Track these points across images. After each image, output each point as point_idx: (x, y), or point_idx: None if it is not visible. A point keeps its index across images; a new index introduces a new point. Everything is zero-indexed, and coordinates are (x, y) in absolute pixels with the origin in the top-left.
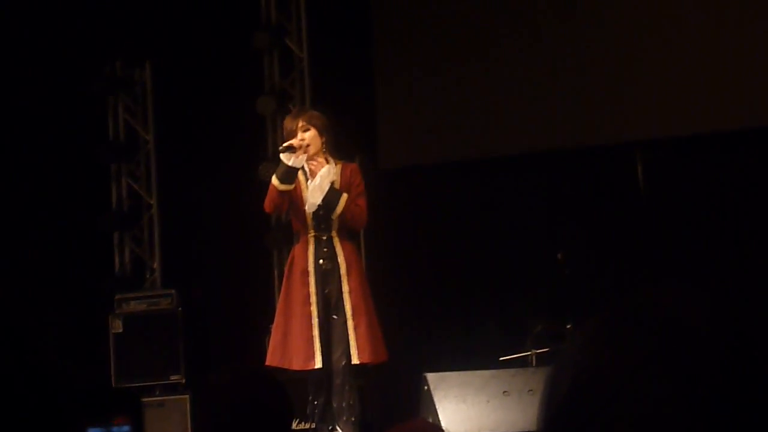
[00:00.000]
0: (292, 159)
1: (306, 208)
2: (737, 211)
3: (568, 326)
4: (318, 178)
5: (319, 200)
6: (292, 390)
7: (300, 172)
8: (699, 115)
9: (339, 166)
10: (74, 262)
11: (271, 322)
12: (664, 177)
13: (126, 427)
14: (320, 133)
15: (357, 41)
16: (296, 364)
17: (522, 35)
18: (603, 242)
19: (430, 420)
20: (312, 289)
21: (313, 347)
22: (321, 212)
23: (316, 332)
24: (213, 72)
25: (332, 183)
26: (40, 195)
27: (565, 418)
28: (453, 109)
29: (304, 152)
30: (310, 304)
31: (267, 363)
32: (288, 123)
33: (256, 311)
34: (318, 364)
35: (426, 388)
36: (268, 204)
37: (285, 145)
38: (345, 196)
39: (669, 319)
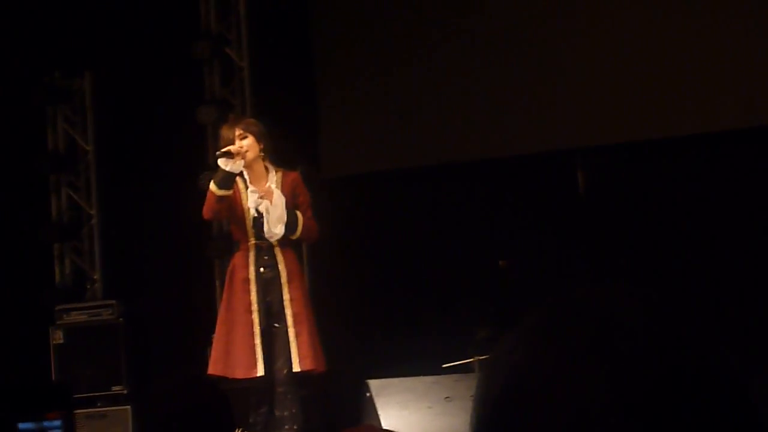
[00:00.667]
0: (230, 164)
1: (268, 237)
2: (675, 216)
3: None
4: (273, 209)
5: (282, 230)
6: (235, 399)
7: (239, 179)
8: (638, 122)
9: (279, 174)
10: (15, 273)
11: (213, 331)
12: (604, 183)
13: (57, 422)
14: (258, 140)
15: (298, 50)
16: (239, 373)
17: (463, 43)
18: (545, 248)
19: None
20: (253, 297)
21: (255, 355)
22: (261, 220)
23: (258, 340)
24: (153, 81)
25: (285, 205)
26: None
27: (499, 416)
28: (394, 117)
29: (242, 157)
30: (251, 313)
31: (209, 372)
32: (225, 131)
33: (198, 321)
34: (260, 372)
35: (368, 394)
36: (206, 210)
37: (222, 150)
38: (300, 216)
39: (601, 314)
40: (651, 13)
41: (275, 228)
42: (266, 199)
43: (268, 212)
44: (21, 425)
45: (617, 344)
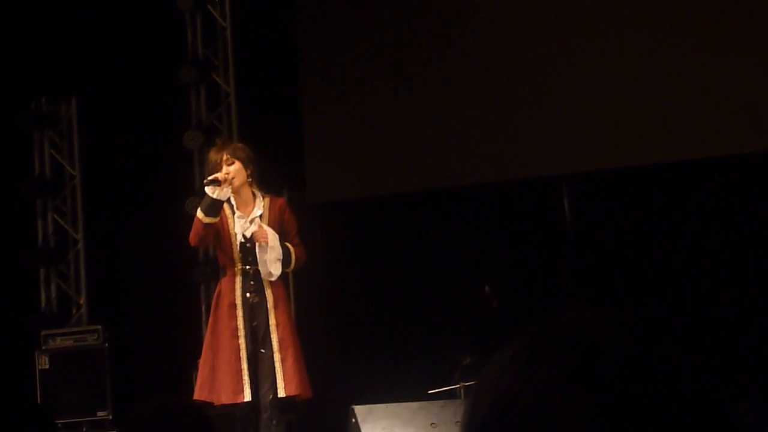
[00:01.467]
0: (217, 191)
1: (266, 277)
2: (661, 242)
3: None
4: (271, 250)
5: (279, 269)
6: (220, 425)
7: (226, 205)
8: (624, 149)
9: (267, 200)
10: (0, 298)
11: (199, 356)
12: (590, 209)
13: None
14: (245, 165)
15: (284, 76)
16: (225, 398)
17: (449, 69)
18: (530, 274)
19: None
20: (240, 322)
21: (241, 381)
22: (248, 245)
23: (244, 365)
24: (140, 107)
25: (281, 243)
26: None
27: None
28: (380, 143)
29: (229, 185)
30: (238, 338)
31: (195, 397)
32: (212, 156)
33: (184, 346)
34: (247, 397)
35: (354, 420)
36: (193, 237)
37: (209, 178)
38: (292, 248)
39: (585, 340)
40: (636, 41)
41: (273, 268)
42: (261, 241)
43: (265, 253)
44: None
45: (601, 371)
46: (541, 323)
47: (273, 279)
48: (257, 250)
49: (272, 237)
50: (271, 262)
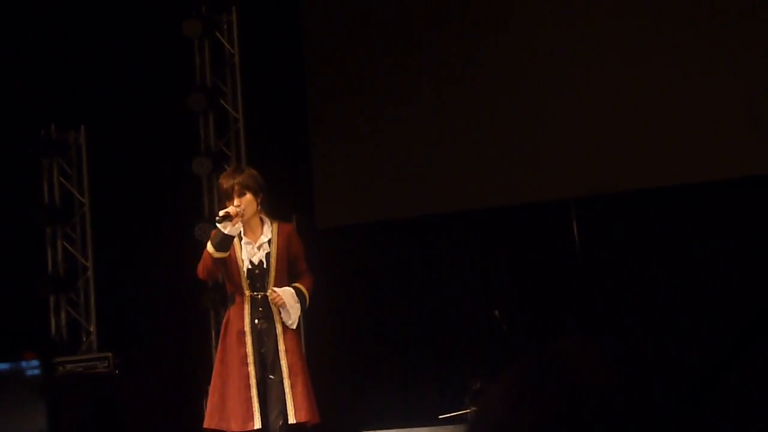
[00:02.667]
0: (229, 227)
1: (289, 326)
2: (670, 266)
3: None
4: (292, 310)
5: (299, 312)
6: None
7: None
8: (632, 172)
9: (275, 226)
10: (10, 327)
11: (209, 383)
12: (599, 232)
13: (35, 362)
14: (256, 195)
15: (292, 101)
16: (235, 426)
17: (457, 93)
18: (539, 298)
19: None
20: (249, 349)
21: (251, 408)
22: (257, 272)
23: (254, 392)
24: (148, 134)
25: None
26: None
27: None
28: (389, 168)
29: (240, 218)
30: (247, 365)
31: (205, 425)
32: (224, 182)
33: (194, 372)
34: (257, 424)
35: None
36: (201, 270)
37: (221, 213)
38: (305, 289)
39: (572, 377)
40: (643, 65)
41: (294, 318)
42: (279, 304)
43: (288, 315)
44: None
45: (584, 411)
46: (529, 357)
47: (294, 326)
48: (281, 311)
49: (288, 297)
50: (293, 313)
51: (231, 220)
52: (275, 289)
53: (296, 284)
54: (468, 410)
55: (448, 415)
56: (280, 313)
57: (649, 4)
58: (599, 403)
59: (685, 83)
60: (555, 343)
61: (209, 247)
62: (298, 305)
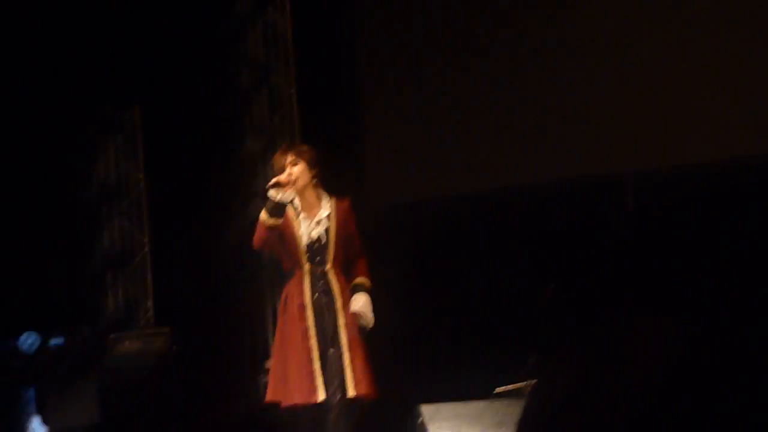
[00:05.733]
0: (280, 194)
1: (363, 323)
2: (728, 240)
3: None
4: (370, 320)
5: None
6: (286, 426)
7: (290, 207)
8: (691, 146)
9: (333, 201)
10: (68, 304)
11: (266, 359)
12: (656, 207)
13: (90, 337)
14: (309, 166)
15: (345, 77)
16: (299, 398)
17: (511, 67)
18: (595, 273)
19: None
20: (310, 323)
21: (314, 381)
22: (316, 246)
23: (317, 365)
24: (203, 111)
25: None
26: (36, 236)
27: None
28: (442, 144)
29: (292, 186)
30: (308, 339)
31: (268, 398)
32: (278, 159)
33: (250, 348)
34: (321, 397)
35: (420, 420)
36: (256, 240)
37: (273, 181)
38: (368, 283)
39: (648, 352)
40: (699, 34)
41: (371, 320)
42: (363, 320)
43: (367, 319)
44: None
45: (662, 388)
46: (601, 333)
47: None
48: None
49: (368, 308)
50: (371, 317)
51: (282, 188)
52: (356, 309)
53: (359, 280)
54: (524, 384)
55: (504, 388)
56: (339, 288)
57: None
58: (673, 381)
59: (749, 52)
60: (624, 321)
61: (262, 214)
62: (370, 306)
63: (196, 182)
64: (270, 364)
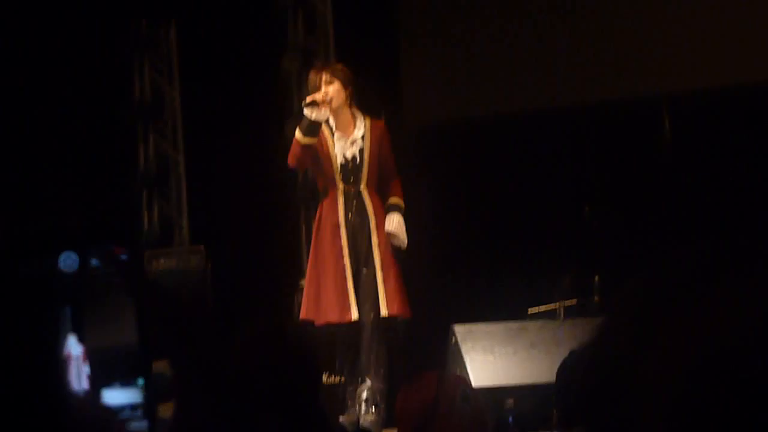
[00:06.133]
0: (315, 113)
1: (397, 244)
2: (765, 164)
3: (596, 278)
4: (398, 238)
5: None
6: (321, 345)
7: (325, 126)
8: (728, 67)
9: (368, 121)
10: (104, 222)
11: (300, 277)
12: (692, 130)
13: (124, 256)
14: (344, 85)
15: None
16: (332, 317)
17: None
18: (630, 195)
19: (458, 371)
20: (344, 242)
21: (348, 300)
22: (350, 166)
23: (350, 284)
24: (238, 30)
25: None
26: (72, 156)
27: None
28: (478, 64)
29: (328, 105)
30: (342, 257)
31: (301, 317)
32: (312, 77)
33: (285, 267)
34: (354, 315)
35: (453, 339)
36: (291, 158)
37: (308, 99)
38: (401, 202)
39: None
40: None
41: (400, 241)
42: (397, 241)
43: (400, 240)
44: (65, 255)
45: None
46: (675, 252)
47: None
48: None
49: (400, 228)
50: (403, 237)
51: (318, 106)
52: (390, 230)
53: (393, 200)
54: (557, 305)
55: (538, 309)
56: (373, 208)
57: None
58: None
59: None
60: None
61: (297, 133)
62: (402, 223)
63: (231, 100)
64: (304, 282)
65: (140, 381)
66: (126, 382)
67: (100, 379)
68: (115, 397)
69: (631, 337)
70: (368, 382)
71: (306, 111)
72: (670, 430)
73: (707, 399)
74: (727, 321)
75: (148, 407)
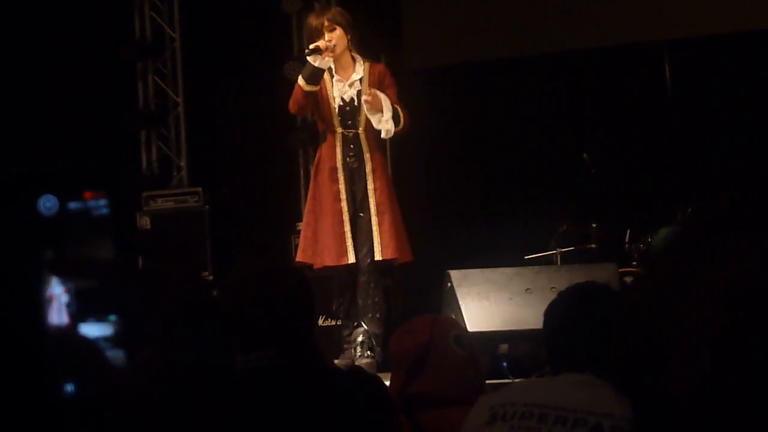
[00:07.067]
0: (318, 60)
1: (385, 136)
2: (764, 111)
3: (593, 225)
4: (385, 123)
5: (393, 126)
6: (318, 288)
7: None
8: (728, 14)
9: (367, 65)
10: (101, 161)
11: (298, 220)
12: (692, 76)
13: (102, 201)
14: (346, 31)
15: None
16: (328, 260)
17: None
18: (629, 142)
19: (453, 316)
20: (341, 186)
21: (345, 243)
22: (348, 109)
23: (347, 228)
24: None
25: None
26: (68, 94)
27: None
28: (479, 7)
29: (331, 53)
30: (340, 201)
31: (298, 259)
32: (312, 20)
33: (283, 210)
34: (351, 259)
35: (449, 284)
36: (292, 105)
37: (311, 47)
38: (401, 109)
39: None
40: None
41: (390, 125)
42: (376, 107)
43: (381, 122)
44: (44, 199)
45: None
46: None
47: (390, 136)
48: (370, 116)
49: (384, 100)
50: (387, 120)
51: (321, 54)
52: (376, 91)
53: (394, 105)
54: (554, 252)
55: (534, 256)
56: (370, 152)
57: None
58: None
59: None
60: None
61: (300, 80)
62: (392, 121)
63: (231, 42)
64: (301, 225)
65: (112, 317)
66: (99, 318)
67: (78, 315)
68: (89, 330)
69: (672, 281)
70: (364, 326)
71: (309, 58)
72: (717, 363)
73: (756, 327)
74: None
75: (122, 338)
